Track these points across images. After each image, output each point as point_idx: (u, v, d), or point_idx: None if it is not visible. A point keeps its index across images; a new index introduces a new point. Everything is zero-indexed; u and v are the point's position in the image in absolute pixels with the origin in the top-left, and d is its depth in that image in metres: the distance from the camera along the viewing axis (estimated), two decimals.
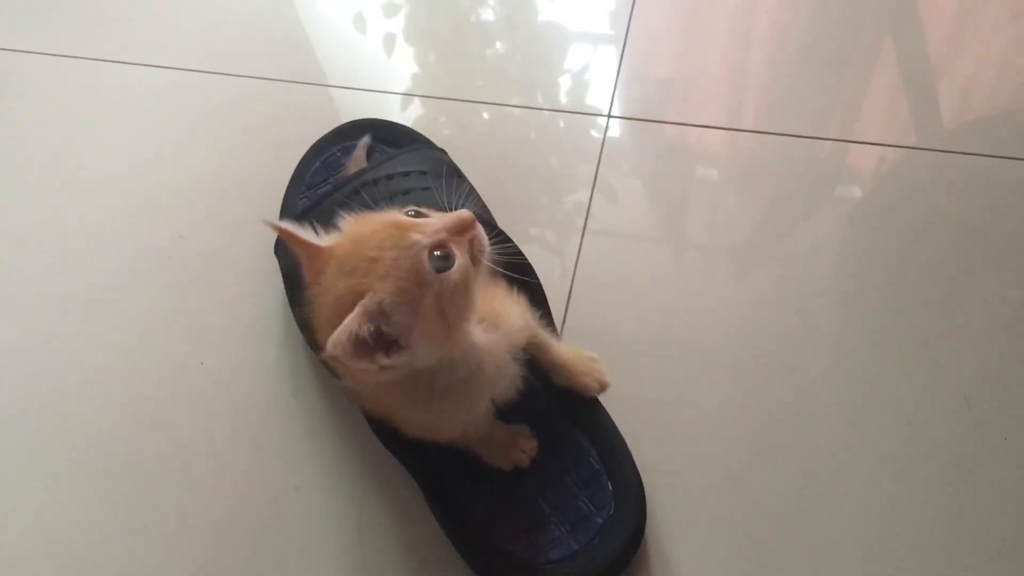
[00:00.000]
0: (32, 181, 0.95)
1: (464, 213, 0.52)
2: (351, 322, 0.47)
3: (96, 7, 1.13)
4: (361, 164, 0.78)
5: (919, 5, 0.99)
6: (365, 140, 0.82)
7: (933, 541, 0.65)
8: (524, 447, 0.67)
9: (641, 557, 0.65)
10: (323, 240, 0.52)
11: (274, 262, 0.78)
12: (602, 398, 0.69)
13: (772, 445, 0.70)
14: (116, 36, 1.09)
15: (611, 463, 0.67)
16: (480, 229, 0.52)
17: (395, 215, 0.52)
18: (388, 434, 0.67)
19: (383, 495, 0.70)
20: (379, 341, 0.49)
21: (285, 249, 0.76)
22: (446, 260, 0.50)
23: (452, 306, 0.51)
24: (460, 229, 0.51)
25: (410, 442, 0.67)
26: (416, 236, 0.50)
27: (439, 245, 0.50)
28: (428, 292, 0.50)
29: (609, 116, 0.93)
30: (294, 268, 0.74)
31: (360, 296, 0.49)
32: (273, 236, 0.78)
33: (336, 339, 0.46)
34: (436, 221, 0.51)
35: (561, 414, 0.69)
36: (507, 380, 0.61)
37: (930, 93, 0.91)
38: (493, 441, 0.67)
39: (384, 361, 0.49)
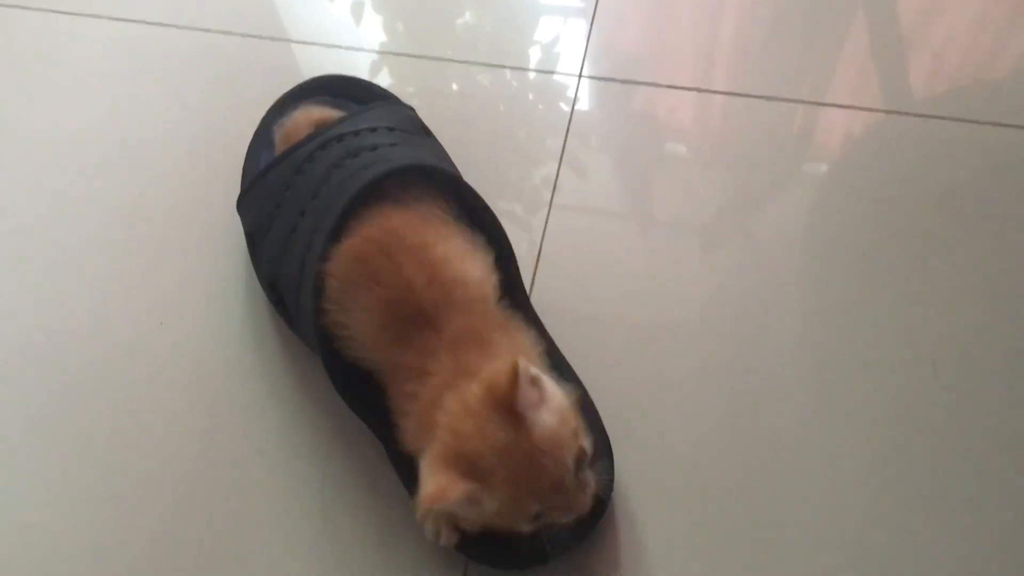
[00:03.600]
0: None
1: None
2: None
3: None
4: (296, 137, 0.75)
5: None
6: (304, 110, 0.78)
7: (898, 505, 0.65)
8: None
9: (608, 521, 0.65)
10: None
11: (237, 220, 0.76)
12: (574, 365, 0.69)
13: (739, 412, 0.70)
14: None
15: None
16: None
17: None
18: (353, 395, 0.66)
19: (348, 458, 0.69)
20: None
21: (248, 206, 0.74)
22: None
23: None
24: None
25: (374, 404, 0.67)
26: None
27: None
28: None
29: (580, 76, 0.92)
30: (257, 226, 0.73)
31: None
32: (236, 192, 0.77)
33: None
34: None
35: None
36: None
37: (902, 58, 0.91)
38: None
39: None
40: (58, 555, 0.66)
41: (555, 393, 0.57)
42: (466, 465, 0.53)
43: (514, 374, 0.53)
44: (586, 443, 0.56)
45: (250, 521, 0.67)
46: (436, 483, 0.53)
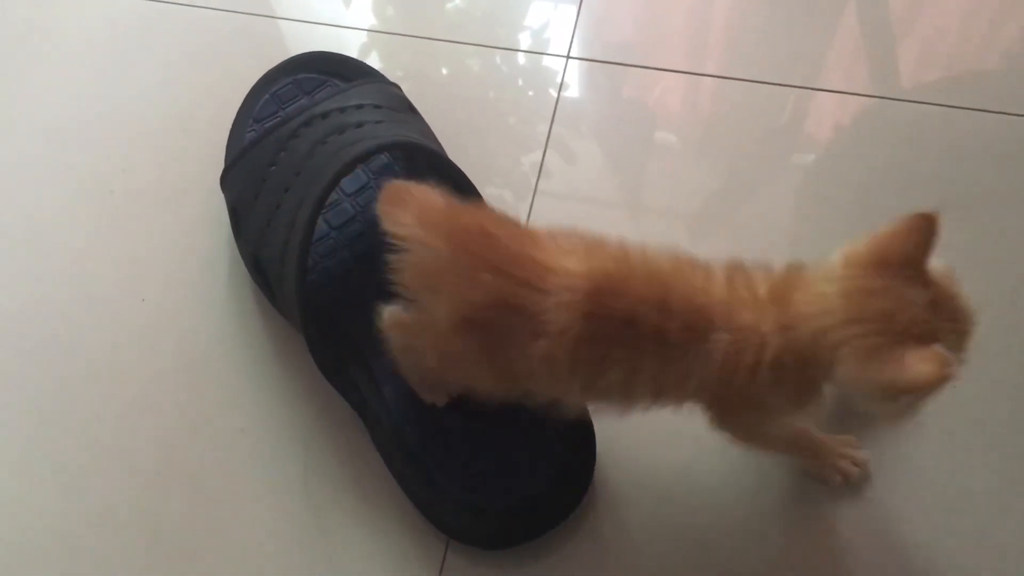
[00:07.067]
0: None
1: None
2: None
3: None
4: None
5: None
6: None
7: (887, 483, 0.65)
8: (855, 458, 0.65)
9: (589, 500, 0.65)
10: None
11: (220, 196, 0.76)
12: None
13: None
14: None
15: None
16: None
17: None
18: (335, 373, 0.66)
19: (330, 436, 0.69)
20: None
21: (232, 182, 0.74)
22: None
23: None
24: None
25: (356, 382, 0.67)
26: None
27: None
28: None
29: (567, 58, 0.92)
30: (240, 202, 0.72)
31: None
32: (219, 168, 0.76)
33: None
34: None
35: None
36: None
37: (893, 44, 0.91)
38: (821, 452, 0.65)
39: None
40: (38, 529, 0.66)
41: None
42: (914, 340, 0.46)
43: (932, 225, 0.49)
44: None
45: (231, 498, 0.67)
46: (927, 363, 0.44)
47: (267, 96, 0.78)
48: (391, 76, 0.83)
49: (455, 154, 0.75)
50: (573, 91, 0.90)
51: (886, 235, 0.50)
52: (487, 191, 0.80)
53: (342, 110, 0.70)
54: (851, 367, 0.47)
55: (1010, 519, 0.64)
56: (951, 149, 0.82)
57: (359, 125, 0.68)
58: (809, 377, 0.51)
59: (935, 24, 0.92)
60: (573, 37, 0.93)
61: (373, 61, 0.93)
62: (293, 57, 0.80)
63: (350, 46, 0.94)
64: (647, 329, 0.50)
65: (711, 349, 0.50)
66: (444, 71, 0.93)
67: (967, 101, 0.84)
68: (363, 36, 0.96)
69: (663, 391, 0.53)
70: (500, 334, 0.52)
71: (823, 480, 0.65)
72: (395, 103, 0.74)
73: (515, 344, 0.52)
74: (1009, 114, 0.83)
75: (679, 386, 0.52)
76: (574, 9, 0.96)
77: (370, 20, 0.98)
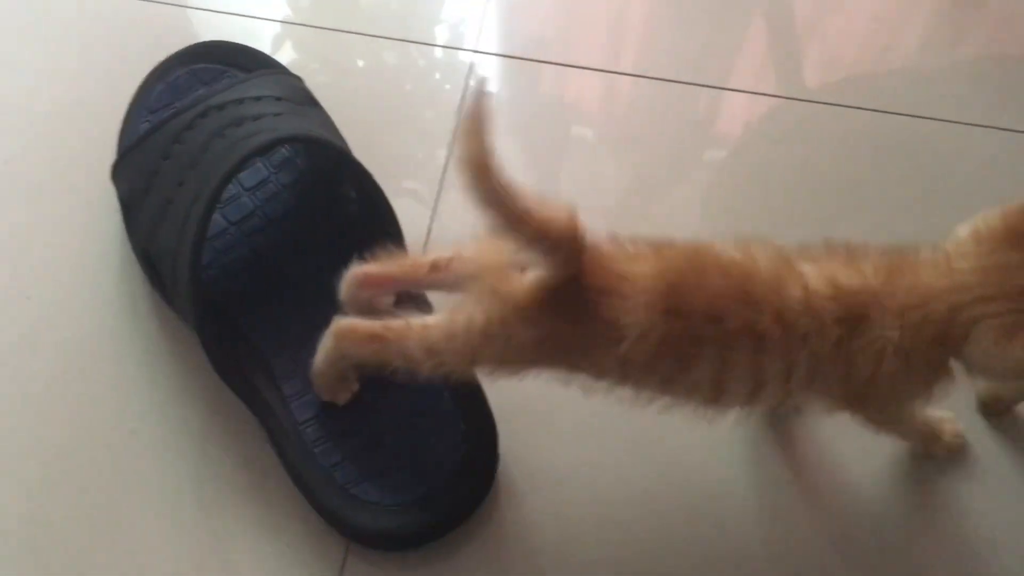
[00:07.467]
0: None
1: None
2: None
3: None
4: None
5: None
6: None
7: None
8: (956, 431, 0.64)
9: (492, 499, 0.65)
10: None
11: (111, 189, 0.74)
12: None
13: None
14: None
15: (464, 403, 0.65)
16: None
17: None
18: (230, 371, 0.64)
19: (225, 438, 0.67)
20: None
21: (123, 174, 0.72)
22: None
23: None
24: None
25: (251, 381, 0.65)
26: None
27: None
28: None
29: (476, 52, 0.91)
30: (132, 195, 0.70)
31: None
32: (111, 160, 0.74)
33: None
34: None
35: None
36: None
37: (799, 47, 0.93)
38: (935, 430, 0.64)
39: None
40: None
41: None
42: None
43: None
44: None
45: (122, 502, 0.65)
46: None
47: (162, 86, 0.75)
48: (305, 68, 0.81)
49: (370, 147, 0.74)
50: (490, 86, 0.90)
51: (1021, 209, 0.49)
52: (403, 184, 0.80)
53: (240, 102, 0.68)
54: (987, 344, 0.48)
55: None
56: (853, 148, 0.84)
57: (257, 118, 0.67)
58: (939, 356, 0.50)
59: (839, 28, 0.94)
60: (481, 32, 0.93)
61: (286, 53, 0.91)
62: (191, 46, 0.78)
63: (262, 37, 0.92)
64: (737, 323, 0.49)
65: (819, 342, 0.49)
66: (360, 63, 0.92)
67: (869, 102, 0.86)
68: (276, 27, 0.94)
69: (763, 385, 0.51)
70: (576, 343, 0.52)
71: (929, 457, 0.64)
72: (296, 95, 0.73)
73: (592, 350, 0.52)
74: (910, 115, 0.85)
75: (783, 380, 0.51)
76: (488, 4, 0.96)
77: (284, 11, 0.96)
